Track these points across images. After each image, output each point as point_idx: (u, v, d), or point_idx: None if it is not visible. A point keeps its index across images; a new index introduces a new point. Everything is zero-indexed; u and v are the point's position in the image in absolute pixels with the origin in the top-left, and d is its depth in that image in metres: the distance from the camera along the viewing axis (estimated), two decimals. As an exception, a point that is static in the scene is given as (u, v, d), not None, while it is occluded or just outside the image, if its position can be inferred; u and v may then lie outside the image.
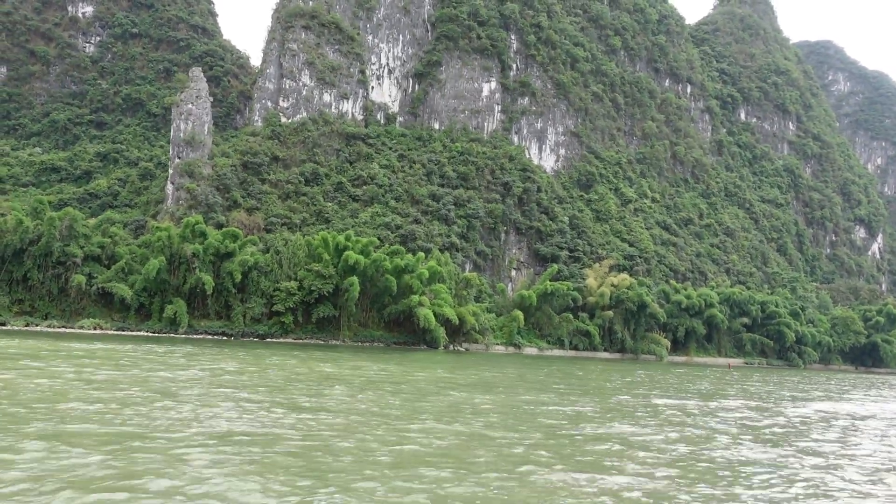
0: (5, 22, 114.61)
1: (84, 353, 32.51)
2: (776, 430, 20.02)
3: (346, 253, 69.16)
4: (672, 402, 26.75)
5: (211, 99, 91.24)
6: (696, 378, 49.62)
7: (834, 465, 14.61)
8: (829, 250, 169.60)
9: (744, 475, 12.92)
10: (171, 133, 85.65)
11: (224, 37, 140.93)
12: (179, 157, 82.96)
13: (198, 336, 62.09)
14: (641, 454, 14.18)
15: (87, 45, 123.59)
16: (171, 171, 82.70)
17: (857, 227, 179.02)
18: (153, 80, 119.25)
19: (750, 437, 18.01)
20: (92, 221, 66.40)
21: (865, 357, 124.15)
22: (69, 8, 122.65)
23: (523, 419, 18.61)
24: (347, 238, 73.21)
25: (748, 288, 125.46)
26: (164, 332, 61.34)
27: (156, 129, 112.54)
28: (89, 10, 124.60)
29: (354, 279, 67.98)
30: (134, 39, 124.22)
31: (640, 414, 22.17)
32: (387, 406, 19.71)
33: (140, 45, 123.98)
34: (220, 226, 75.53)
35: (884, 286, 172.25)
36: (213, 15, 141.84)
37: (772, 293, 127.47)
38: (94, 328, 57.68)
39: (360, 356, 46.65)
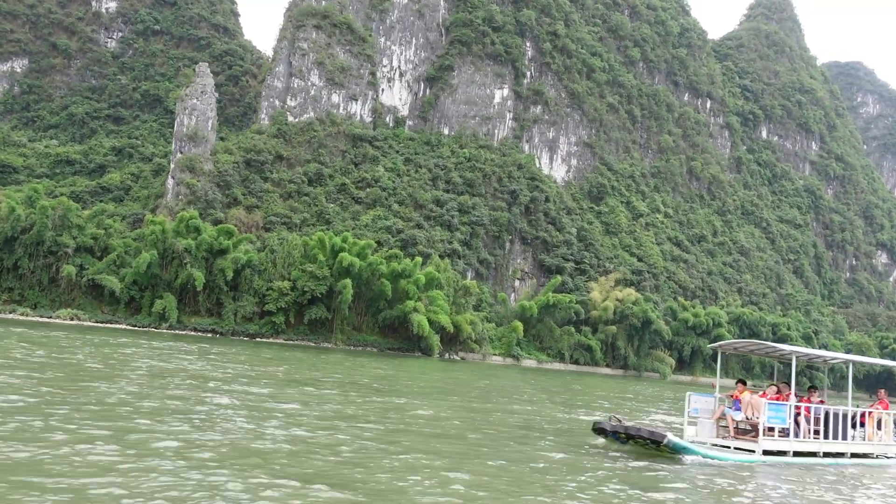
0: (29, 14, 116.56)
1: None
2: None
3: (342, 255, 68.34)
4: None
5: (216, 95, 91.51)
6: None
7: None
8: (848, 274, 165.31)
9: None
10: (175, 128, 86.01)
11: (245, 37, 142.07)
12: (181, 152, 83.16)
13: (184, 332, 61.63)
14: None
15: (109, 40, 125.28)
16: (171, 166, 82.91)
17: (879, 251, 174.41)
18: (172, 78, 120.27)
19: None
20: (87, 213, 66.49)
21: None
22: (93, 3, 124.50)
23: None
24: (344, 240, 72.46)
25: (760, 309, 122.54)
26: (151, 327, 61.03)
27: (172, 126, 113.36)
28: (112, 5, 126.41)
29: (348, 282, 67.13)
30: (155, 36, 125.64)
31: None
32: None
33: (161, 41, 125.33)
34: (217, 222, 75.15)
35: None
36: (236, 15, 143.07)
37: (784, 315, 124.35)
38: (71, 319, 57.42)
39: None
